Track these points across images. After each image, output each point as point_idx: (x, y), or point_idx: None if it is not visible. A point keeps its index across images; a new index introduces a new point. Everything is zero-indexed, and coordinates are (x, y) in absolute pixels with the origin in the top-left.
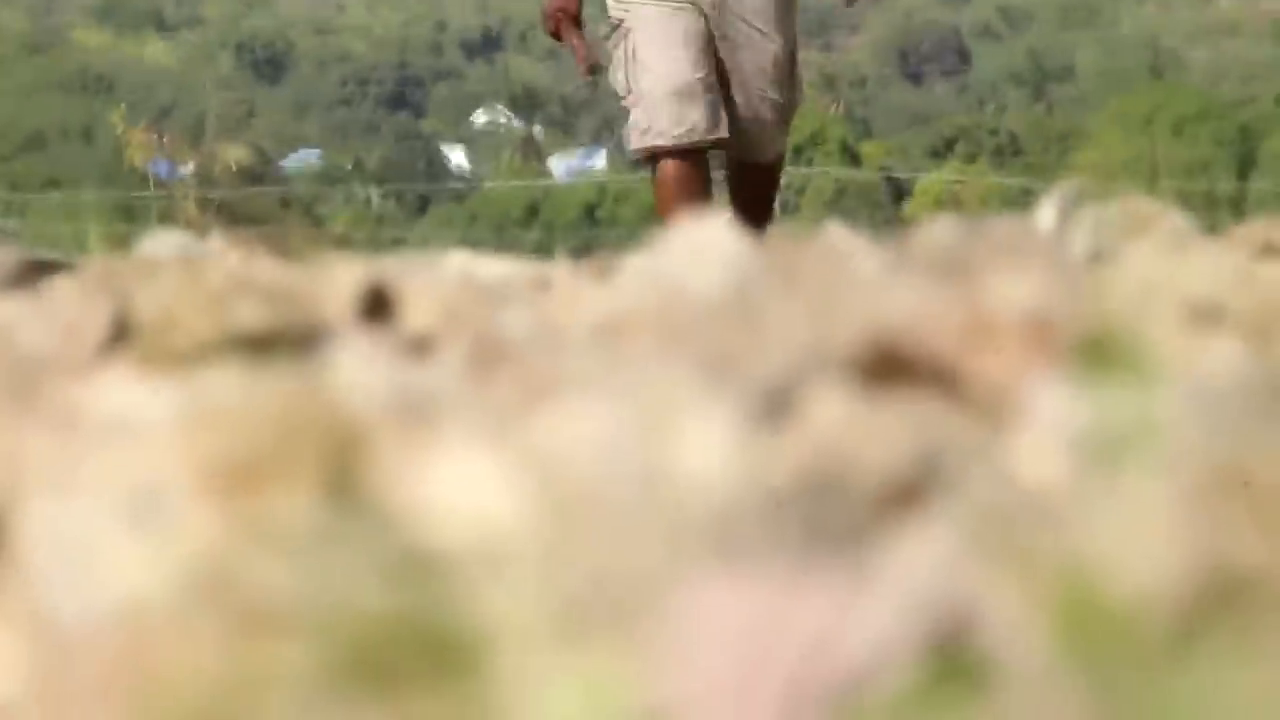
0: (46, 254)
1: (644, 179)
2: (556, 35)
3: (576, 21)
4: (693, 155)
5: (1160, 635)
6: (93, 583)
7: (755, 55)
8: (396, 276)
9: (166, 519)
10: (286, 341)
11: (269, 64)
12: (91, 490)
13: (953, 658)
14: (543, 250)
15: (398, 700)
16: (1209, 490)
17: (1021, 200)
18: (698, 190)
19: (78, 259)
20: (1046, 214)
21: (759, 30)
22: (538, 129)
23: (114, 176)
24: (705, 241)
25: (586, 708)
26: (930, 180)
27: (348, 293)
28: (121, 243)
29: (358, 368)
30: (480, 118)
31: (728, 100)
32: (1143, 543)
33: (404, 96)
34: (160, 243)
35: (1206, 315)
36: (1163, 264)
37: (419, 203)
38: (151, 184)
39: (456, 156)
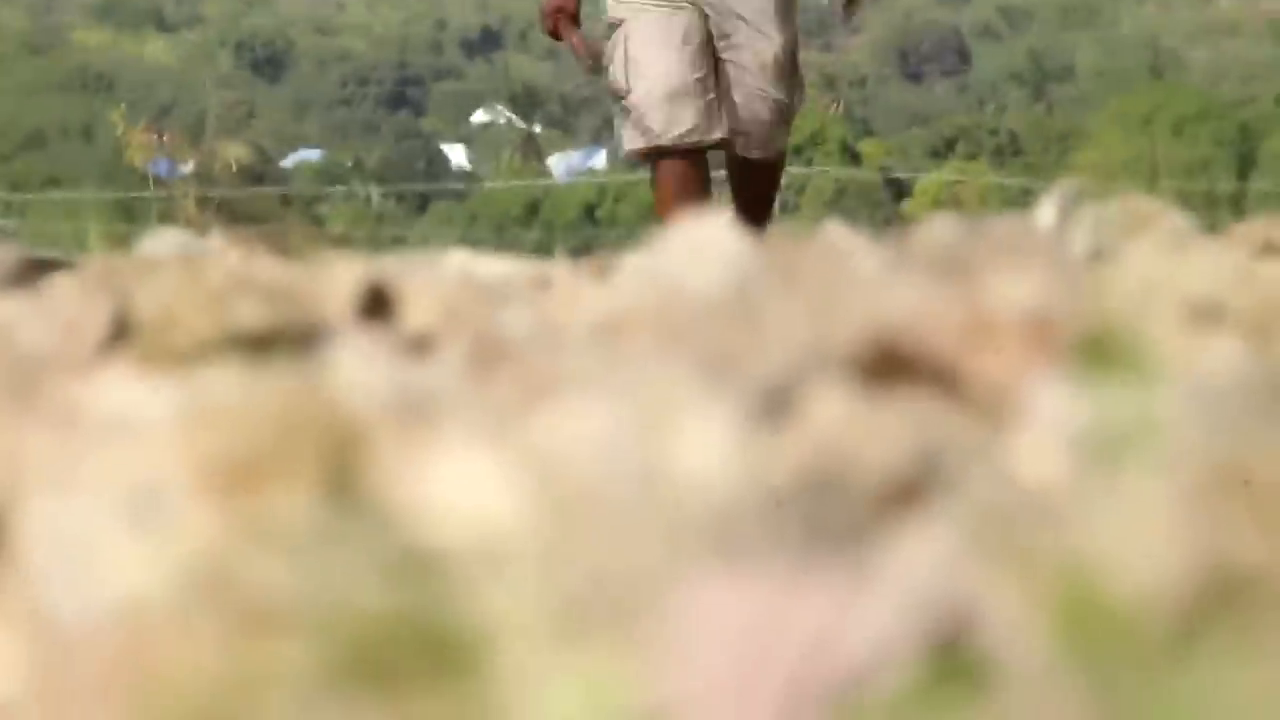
0: (46, 253)
1: (644, 179)
2: (555, 35)
3: (575, 21)
4: (691, 155)
5: (1160, 635)
6: (93, 581)
7: (755, 54)
8: (396, 275)
9: (166, 518)
10: (286, 340)
11: (269, 63)
12: (91, 489)
13: (953, 657)
14: (543, 249)
15: (398, 699)
16: (1209, 489)
17: (1021, 200)
18: (697, 190)
19: (78, 258)
20: (1046, 213)
21: (759, 29)
22: (538, 128)
23: (114, 175)
24: (705, 240)
25: (586, 707)
26: (930, 180)
27: (347, 292)
28: (121, 241)
29: (357, 367)
30: (480, 117)
31: (727, 99)
32: (1143, 542)
33: (404, 95)
34: (160, 241)
35: (1206, 314)
36: (1163, 263)
37: (419, 202)
38: (151, 183)
39: (456, 155)
